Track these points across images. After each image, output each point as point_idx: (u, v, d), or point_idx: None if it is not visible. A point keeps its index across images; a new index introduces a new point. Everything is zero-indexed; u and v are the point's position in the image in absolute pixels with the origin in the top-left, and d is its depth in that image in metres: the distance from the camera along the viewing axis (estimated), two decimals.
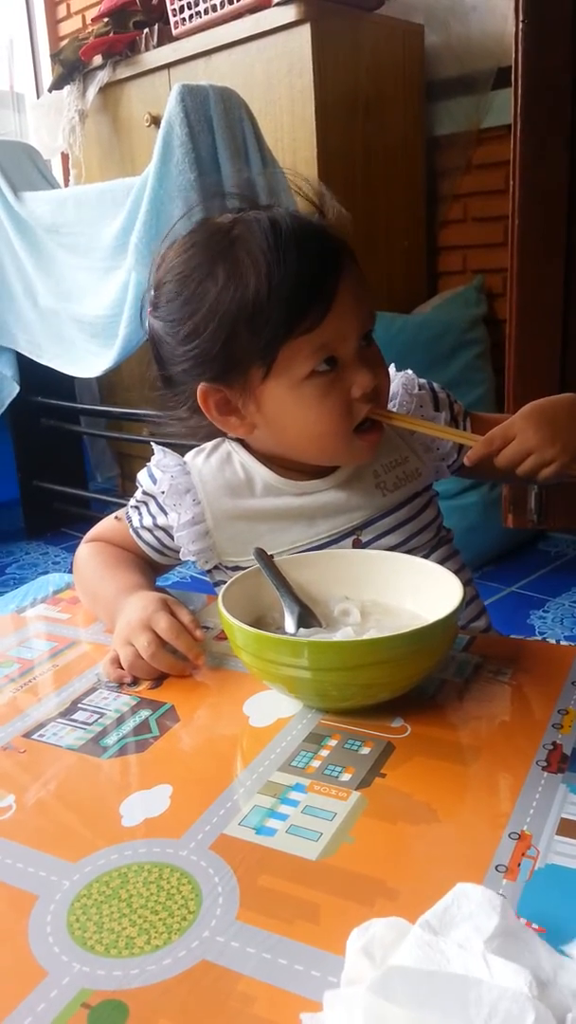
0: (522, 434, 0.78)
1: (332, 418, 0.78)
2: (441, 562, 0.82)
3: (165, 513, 0.85)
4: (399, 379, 0.91)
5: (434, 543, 0.89)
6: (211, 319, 0.75)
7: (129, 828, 0.53)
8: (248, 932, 0.44)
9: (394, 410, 0.89)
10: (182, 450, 0.88)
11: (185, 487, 0.84)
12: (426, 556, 0.86)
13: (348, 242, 0.79)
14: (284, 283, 0.73)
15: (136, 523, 0.87)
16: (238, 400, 0.79)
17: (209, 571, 0.89)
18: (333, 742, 0.60)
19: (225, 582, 0.84)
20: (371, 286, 0.80)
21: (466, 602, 0.91)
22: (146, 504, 0.87)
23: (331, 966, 0.41)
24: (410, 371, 0.92)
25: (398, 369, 0.93)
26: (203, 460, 0.86)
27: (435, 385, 0.92)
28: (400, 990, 0.34)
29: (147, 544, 0.88)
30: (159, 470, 0.86)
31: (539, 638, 1.88)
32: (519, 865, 0.48)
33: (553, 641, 1.83)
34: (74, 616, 0.87)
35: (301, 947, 0.43)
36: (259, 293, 0.73)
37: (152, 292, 0.81)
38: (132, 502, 0.89)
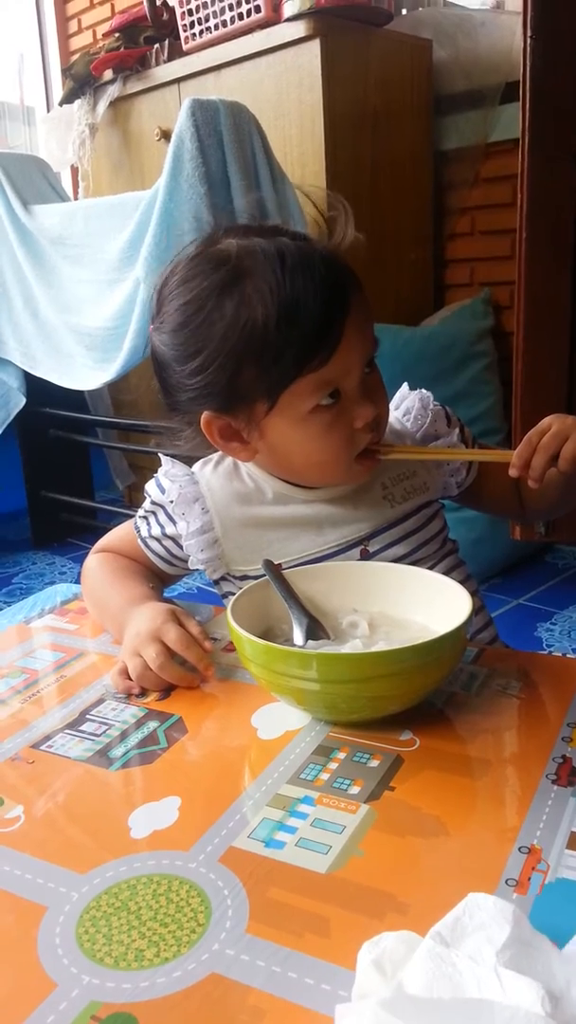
0: (557, 422, 0.78)
1: (335, 449, 0.78)
2: (447, 573, 0.82)
3: (174, 522, 0.85)
4: (415, 396, 0.92)
5: (441, 554, 0.89)
6: (218, 354, 0.75)
7: (137, 840, 0.53)
8: (258, 945, 0.44)
9: (407, 423, 0.90)
10: (189, 461, 0.88)
11: (194, 496, 0.84)
12: (432, 567, 0.86)
13: (355, 269, 0.78)
14: (293, 324, 0.72)
15: (144, 533, 0.88)
16: (242, 428, 0.79)
17: (216, 582, 0.89)
18: (342, 755, 0.60)
19: (232, 593, 0.85)
20: (374, 309, 0.79)
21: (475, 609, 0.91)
22: (154, 514, 0.87)
23: (341, 980, 0.41)
24: (424, 390, 0.92)
25: (403, 382, 0.93)
26: (211, 470, 0.86)
27: (446, 406, 0.93)
28: (411, 1013, 0.33)
29: (155, 554, 0.88)
30: (167, 480, 0.86)
31: (546, 651, 1.87)
32: (529, 879, 0.47)
33: (560, 654, 1.83)
34: (81, 627, 0.87)
35: (311, 960, 0.43)
36: (267, 332, 0.73)
37: (156, 317, 0.81)
38: (140, 512, 0.89)
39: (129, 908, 0.47)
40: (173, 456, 0.88)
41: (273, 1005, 0.40)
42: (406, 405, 0.91)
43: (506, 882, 0.47)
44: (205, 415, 0.79)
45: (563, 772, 0.57)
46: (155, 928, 0.45)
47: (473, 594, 0.91)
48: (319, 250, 0.77)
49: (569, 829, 0.51)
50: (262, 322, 0.73)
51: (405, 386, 0.93)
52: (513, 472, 0.79)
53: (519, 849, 0.50)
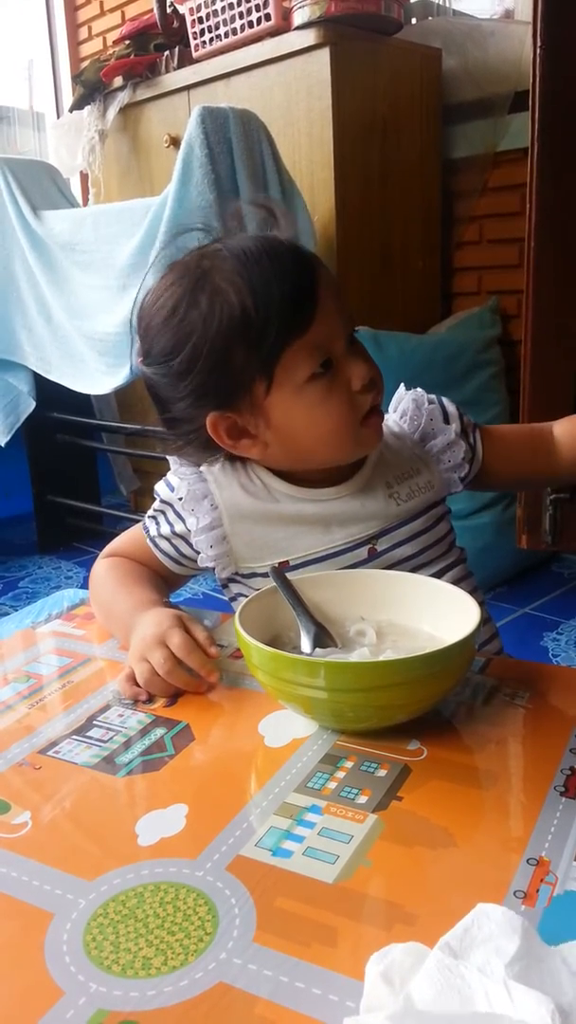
0: None
1: (339, 413, 0.79)
2: (454, 583, 0.82)
3: (183, 520, 0.86)
4: (409, 396, 0.92)
5: (448, 560, 0.89)
6: (204, 344, 0.76)
7: (144, 847, 0.53)
8: (265, 955, 0.44)
9: (404, 424, 0.90)
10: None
11: (203, 493, 0.85)
12: (440, 571, 0.86)
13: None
14: (268, 293, 0.75)
15: (153, 532, 0.88)
16: (247, 422, 0.80)
17: (225, 585, 0.89)
18: (349, 764, 0.60)
19: (242, 595, 0.85)
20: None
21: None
22: (164, 513, 0.88)
23: (349, 991, 0.41)
24: (419, 389, 0.93)
25: (409, 388, 0.93)
26: (219, 468, 0.86)
27: (444, 400, 0.92)
28: None
29: (164, 553, 0.88)
30: (176, 478, 0.87)
31: (553, 660, 1.87)
32: (537, 891, 0.47)
33: (565, 664, 1.82)
34: (89, 632, 0.87)
35: (319, 971, 0.43)
36: (246, 308, 0.75)
37: (139, 342, 0.82)
38: (150, 512, 0.90)
39: (136, 916, 0.47)
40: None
41: (280, 1015, 0.40)
42: (403, 407, 0.91)
43: (514, 894, 0.47)
44: (211, 417, 0.79)
45: (571, 784, 0.57)
46: (162, 936, 0.45)
47: (480, 604, 0.90)
48: (278, 238, 0.80)
49: None
50: (238, 303, 0.75)
51: (401, 387, 0.94)
52: None
53: (527, 861, 0.50)
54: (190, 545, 0.86)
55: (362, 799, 0.56)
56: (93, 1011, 0.41)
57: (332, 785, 0.58)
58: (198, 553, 0.86)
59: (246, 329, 0.75)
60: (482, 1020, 0.34)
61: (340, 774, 0.59)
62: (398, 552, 0.85)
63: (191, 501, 0.85)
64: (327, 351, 0.78)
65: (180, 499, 0.86)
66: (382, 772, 0.59)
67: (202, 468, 0.86)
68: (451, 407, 0.92)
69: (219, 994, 0.42)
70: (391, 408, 0.93)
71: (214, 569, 0.87)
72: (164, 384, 0.81)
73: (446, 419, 0.90)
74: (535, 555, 2.30)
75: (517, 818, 0.54)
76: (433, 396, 0.92)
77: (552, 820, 0.53)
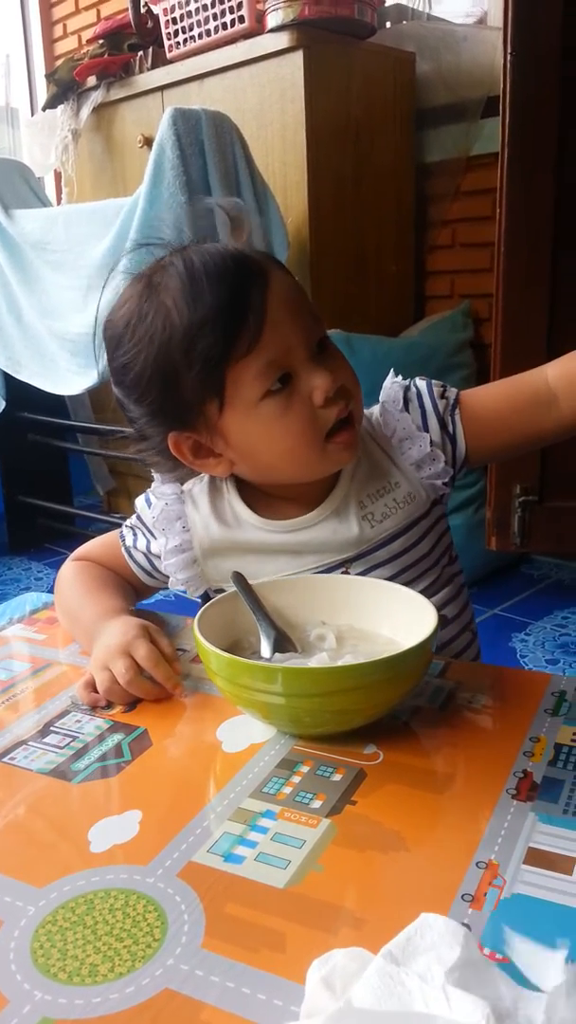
0: None
1: (299, 430, 0.76)
2: (443, 604, 0.79)
3: (156, 539, 0.85)
4: (382, 395, 0.87)
5: (432, 578, 0.86)
6: (147, 365, 0.75)
7: (97, 854, 0.53)
8: (212, 960, 0.44)
9: (381, 424, 0.85)
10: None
11: (176, 514, 0.84)
12: (425, 591, 0.79)
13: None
14: (208, 312, 0.72)
15: (129, 542, 0.88)
16: (207, 440, 0.79)
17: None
18: (305, 768, 0.60)
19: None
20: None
21: (464, 645, 0.89)
22: (140, 529, 0.88)
23: (294, 995, 0.41)
24: (397, 382, 0.87)
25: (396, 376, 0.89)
26: (198, 490, 0.86)
27: (422, 391, 0.85)
28: None
29: (137, 564, 0.88)
30: (155, 496, 0.87)
31: (521, 661, 1.89)
32: (485, 895, 0.48)
33: (532, 667, 1.84)
34: (50, 637, 0.86)
35: (265, 976, 0.43)
36: (184, 328, 0.73)
37: (109, 367, 0.81)
38: (128, 523, 0.90)
39: (85, 923, 0.47)
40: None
41: (225, 1021, 0.40)
42: (378, 407, 0.87)
43: (462, 897, 0.48)
44: (171, 436, 0.79)
45: (523, 787, 0.57)
46: (111, 943, 0.45)
47: (465, 628, 0.89)
48: (228, 248, 0.77)
49: (527, 844, 0.52)
50: (179, 323, 0.73)
51: (389, 376, 0.88)
52: None
53: (476, 864, 0.50)
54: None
55: (316, 804, 0.56)
56: (37, 1019, 0.41)
57: (287, 790, 0.58)
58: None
59: (187, 350, 0.73)
60: (417, 1020, 0.34)
61: (296, 779, 0.59)
62: (373, 575, 0.82)
63: (163, 521, 0.85)
64: (283, 365, 0.74)
65: (153, 518, 0.86)
66: (337, 776, 0.59)
67: (184, 488, 0.86)
68: (428, 404, 0.85)
69: (164, 1000, 0.42)
70: (380, 398, 0.88)
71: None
72: (124, 402, 0.80)
73: (424, 423, 0.84)
74: (504, 557, 2.32)
75: (469, 821, 0.55)
76: (412, 393, 0.86)
77: (503, 823, 0.54)
